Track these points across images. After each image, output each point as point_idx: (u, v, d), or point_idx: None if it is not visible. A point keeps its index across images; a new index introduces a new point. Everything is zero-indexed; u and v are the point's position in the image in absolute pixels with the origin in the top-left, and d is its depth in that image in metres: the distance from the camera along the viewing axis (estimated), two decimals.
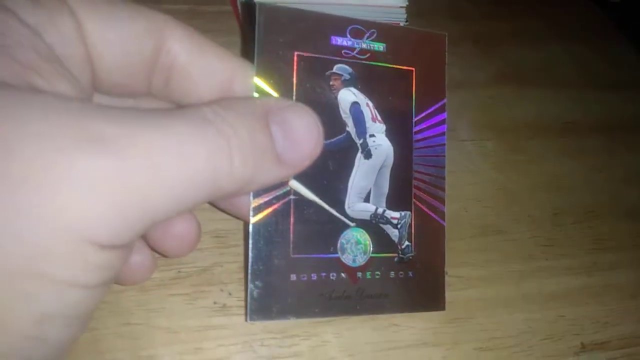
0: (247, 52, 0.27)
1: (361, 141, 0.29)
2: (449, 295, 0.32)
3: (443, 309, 0.31)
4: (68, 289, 0.17)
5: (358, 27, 0.29)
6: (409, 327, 0.32)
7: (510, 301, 0.35)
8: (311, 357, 0.31)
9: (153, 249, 0.27)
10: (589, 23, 0.63)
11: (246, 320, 0.26)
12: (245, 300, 0.28)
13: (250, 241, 0.26)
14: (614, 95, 0.55)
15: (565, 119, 0.50)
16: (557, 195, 0.43)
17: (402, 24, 0.44)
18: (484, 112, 0.49)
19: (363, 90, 0.29)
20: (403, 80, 0.31)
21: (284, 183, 0.27)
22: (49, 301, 0.17)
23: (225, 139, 0.19)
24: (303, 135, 0.23)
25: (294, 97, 0.27)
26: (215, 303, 0.31)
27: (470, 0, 0.59)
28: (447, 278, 0.33)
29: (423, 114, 0.31)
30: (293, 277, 0.27)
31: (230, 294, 0.31)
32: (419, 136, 0.31)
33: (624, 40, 0.62)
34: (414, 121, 0.31)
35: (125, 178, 0.17)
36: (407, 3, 0.43)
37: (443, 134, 0.31)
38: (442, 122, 0.31)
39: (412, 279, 0.30)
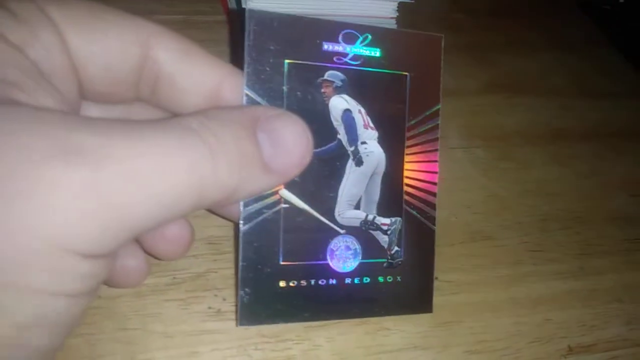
0: (237, 59, 0.27)
1: (352, 149, 0.30)
2: (439, 299, 0.33)
3: (430, 311, 0.32)
4: (49, 299, 0.17)
5: (351, 32, 0.29)
6: (399, 330, 0.33)
7: (499, 305, 0.36)
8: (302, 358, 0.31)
9: (147, 252, 0.28)
10: (581, 34, 0.64)
11: (236, 325, 0.27)
12: (236, 306, 0.29)
13: (241, 250, 0.27)
14: (603, 103, 0.55)
15: (555, 127, 0.51)
16: (546, 201, 0.44)
17: None
18: (475, 119, 0.49)
19: (355, 96, 0.29)
20: (397, 86, 0.31)
21: (274, 192, 0.27)
22: (28, 311, 0.17)
23: (208, 147, 0.19)
24: (291, 144, 0.23)
25: (284, 106, 0.27)
26: (209, 308, 0.32)
27: (464, 12, 0.60)
28: (437, 283, 0.33)
29: (416, 120, 0.31)
30: (282, 283, 0.28)
31: (224, 299, 0.32)
32: (411, 142, 0.31)
33: (613, 49, 0.63)
34: (406, 127, 0.31)
35: (103, 188, 0.17)
36: (397, 14, 0.44)
37: (436, 139, 0.31)
38: (436, 127, 0.31)
39: (401, 283, 0.31)
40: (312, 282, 0.29)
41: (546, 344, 0.35)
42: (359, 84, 0.30)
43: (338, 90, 0.29)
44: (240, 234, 0.27)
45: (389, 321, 0.33)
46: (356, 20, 0.43)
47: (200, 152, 0.19)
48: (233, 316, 0.32)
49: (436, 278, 0.33)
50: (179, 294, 0.32)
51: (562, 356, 0.35)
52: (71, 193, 0.16)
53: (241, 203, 0.26)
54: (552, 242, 0.41)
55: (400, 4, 0.44)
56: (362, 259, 0.30)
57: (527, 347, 0.34)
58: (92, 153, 0.17)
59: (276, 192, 0.27)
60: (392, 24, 0.44)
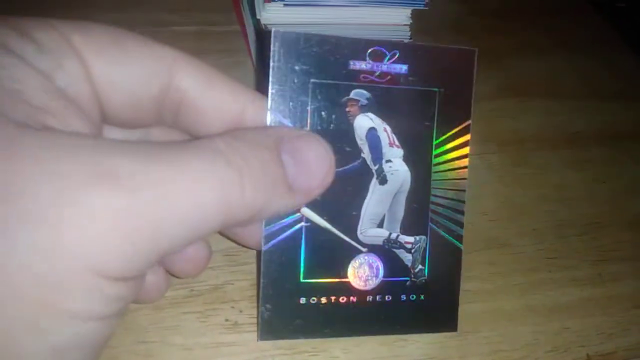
0: (261, 78, 0.27)
1: (377, 167, 0.29)
2: None
3: (455, 329, 0.32)
4: (83, 322, 0.17)
5: (379, 49, 0.29)
6: (415, 341, 0.33)
7: (516, 314, 0.36)
8: None
9: (165, 270, 0.28)
10: (593, 34, 0.63)
11: (257, 339, 0.27)
12: (257, 321, 0.29)
13: (262, 267, 0.27)
14: (618, 104, 0.55)
15: (570, 130, 0.51)
16: (562, 207, 0.44)
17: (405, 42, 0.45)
18: (489, 125, 0.49)
19: (381, 114, 0.29)
20: (425, 103, 0.30)
21: (295, 210, 0.27)
22: (63, 335, 0.17)
23: (236, 169, 0.20)
24: (314, 165, 0.23)
25: (308, 125, 0.27)
26: (227, 320, 0.32)
27: (475, 16, 0.60)
28: None
29: (445, 136, 0.30)
30: (302, 300, 0.28)
31: (241, 311, 0.32)
32: (438, 159, 0.30)
33: (627, 49, 0.62)
34: (434, 144, 0.30)
35: (137, 212, 0.17)
36: (411, 21, 0.44)
37: (466, 156, 0.31)
38: (466, 143, 0.31)
39: (424, 302, 0.31)
40: (333, 299, 0.29)
41: (564, 352, 0.35)
42: (386, 101, 0.29)
43: (363, 109, 0.29)
44: (262, 252, 0.27)
45: None
46: (370, 29, 0.43)
47: (229, 174, 0.20)
48: (250, 328, 0.32)
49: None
50: (196, 307, 0.32)
51: None
52: (105, 218, 0.17)
53: (263, 222, 0.26)
54: (569, 249, 0.41)
55: (413, 10, 0.44)
56: (384, 277, 0.30)
57: (545, 357, 0.34)
58: (125, 178, 0.17)
59: (298, 211, 0.27)
60: (406, 32, 0.44)
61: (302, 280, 0.28)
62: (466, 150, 0.31)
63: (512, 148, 0.48)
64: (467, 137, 0.31)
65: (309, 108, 0.27)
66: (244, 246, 0.30)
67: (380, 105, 0.29)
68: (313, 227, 0.28)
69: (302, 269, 0.28)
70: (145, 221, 0.17)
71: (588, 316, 0.37)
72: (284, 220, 0.27)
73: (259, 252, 0.27)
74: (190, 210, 0.19)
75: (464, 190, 0.31)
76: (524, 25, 0.61)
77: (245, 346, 0.31)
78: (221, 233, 0.30)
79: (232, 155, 0.20)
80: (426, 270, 0.30)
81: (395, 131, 0.30)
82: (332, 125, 0.28)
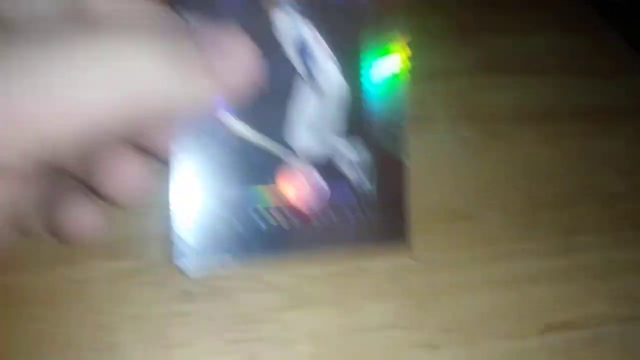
0: None
1: (309, 74, 0.28)
2: (415, 279, 0.33)
3: (406, 243, 0.31)
4: None
5: None
6: (374, 310, 0.33)
7: (476, 284, 0.36)
8: (276, 341, 0.31)
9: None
10: (570, 11, 0.63)
11: (171, 261, 0.26)
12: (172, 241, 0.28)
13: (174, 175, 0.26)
14: (594, 81, 0.55)
15: (544, 106, 0.51)
16: (533, 180, 0.44)
17: None
18: (463, 100, 0.49)
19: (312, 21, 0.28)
20: (355, 18, 0.30)
21: (218, 117, 0.26)
22: None
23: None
24: (238, 55, 0.21)
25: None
26: (180, 291, 0.32)
27: None
28: (414, 263, 0.33)
29: (378, 53, 0.30)
30: (229, 215, 0.26)
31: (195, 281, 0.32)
32: (371, 74, 0.30)
33: (604, 26, 0.62)
34: (367, 59, 0.30)
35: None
36: None
37: (395, 73, 0.30)
38: (394, 62, 0.30)
39: (372, 218, 0.29)
40: (271, 219, 0.27)
41: (522, 321, 0.35)
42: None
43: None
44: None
45: (363, 300, 0.33)
46: None
47: None
48: (204, 298, 0.32)
49: (413, 259, 0.32)
50: (149, 278, 0.32)
51: (539, 333, 0.34)
52: None
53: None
54: (538, 221, 0.41)
55: None
56: (329, 197, 0.28)
57: (504, 324, 0.34)
58: None
59: (221, 118, 0.26)
60: None
61: (224, 192, 0.27)
62: (395, 67, 0.30)
63: (486, 124, 0.47)
64: (403, 54, 0.30)
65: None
66: None
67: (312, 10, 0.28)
68: (235, 135, 0.27)
69: (225, 178, 0.26)
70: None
71: (548, 287, 0.37)
72: (201, 126, 0.26)
73: None
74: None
75: (400, 104, 0.30)
76: (500, 3, 0.61)
77: (197, 315, 0.31)
78: None
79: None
80: (371, 186, 0.29)
81: (327, 41, 0.29)
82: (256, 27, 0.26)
